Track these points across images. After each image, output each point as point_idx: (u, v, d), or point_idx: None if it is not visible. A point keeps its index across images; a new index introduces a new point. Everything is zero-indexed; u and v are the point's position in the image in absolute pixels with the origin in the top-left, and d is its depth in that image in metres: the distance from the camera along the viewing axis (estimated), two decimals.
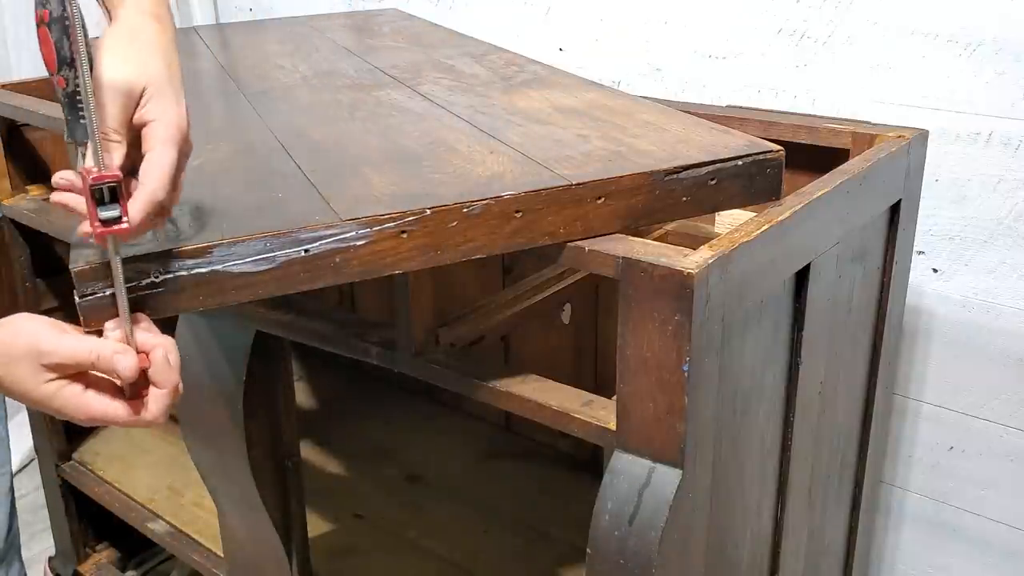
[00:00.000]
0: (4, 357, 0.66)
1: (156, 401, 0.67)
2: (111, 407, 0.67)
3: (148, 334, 0.68)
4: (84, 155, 0.65)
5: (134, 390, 0.68)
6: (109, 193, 0.63)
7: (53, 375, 0.66)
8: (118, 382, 0.68)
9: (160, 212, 0.68)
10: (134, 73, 0.67)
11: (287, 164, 0.88)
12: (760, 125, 1.15)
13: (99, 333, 0.68)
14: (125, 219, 0.64)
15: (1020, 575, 1.36)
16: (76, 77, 0.62)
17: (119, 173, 0.64)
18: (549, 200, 0.79)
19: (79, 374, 0.67)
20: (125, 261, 0.67)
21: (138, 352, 0.67)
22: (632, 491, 0.79)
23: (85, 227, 0.65)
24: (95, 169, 0.63)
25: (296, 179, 0.84)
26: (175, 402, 0.69)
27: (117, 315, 0.67)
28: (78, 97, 0.63)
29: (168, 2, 0.74)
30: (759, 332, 0.86)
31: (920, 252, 1.29)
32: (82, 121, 0.63)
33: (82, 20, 0.62)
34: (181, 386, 0.69)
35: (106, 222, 0.63)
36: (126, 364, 0.65)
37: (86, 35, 0.62)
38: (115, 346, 0.66)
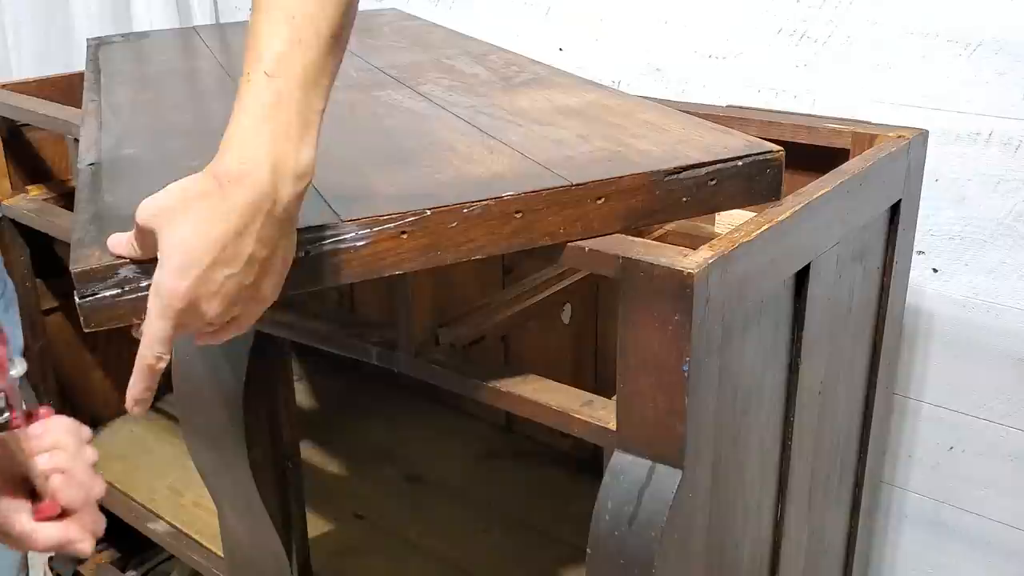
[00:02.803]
0: None
1: (78, 529, 0.67)
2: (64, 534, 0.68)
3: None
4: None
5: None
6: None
7: None
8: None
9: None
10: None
11: None
12: (760, 125, 1.15)
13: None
14: (16, 421, 0.65)
15: (1020, 575, 1.36)
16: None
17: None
18: (549, 200, 0.79)
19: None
20: (126, 263, 0.67)
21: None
22: (632, 491, 0.79)
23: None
24: None
25: None
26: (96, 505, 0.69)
27: (117, 318, 0.67)
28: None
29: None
30: (759, 332, 0.86)
31: (920, 252, 1.29)
32: None
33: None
34: (100, 487, 0.69)
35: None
36: (83, 551, 0.67)
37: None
38: (57, 537, 0.66)
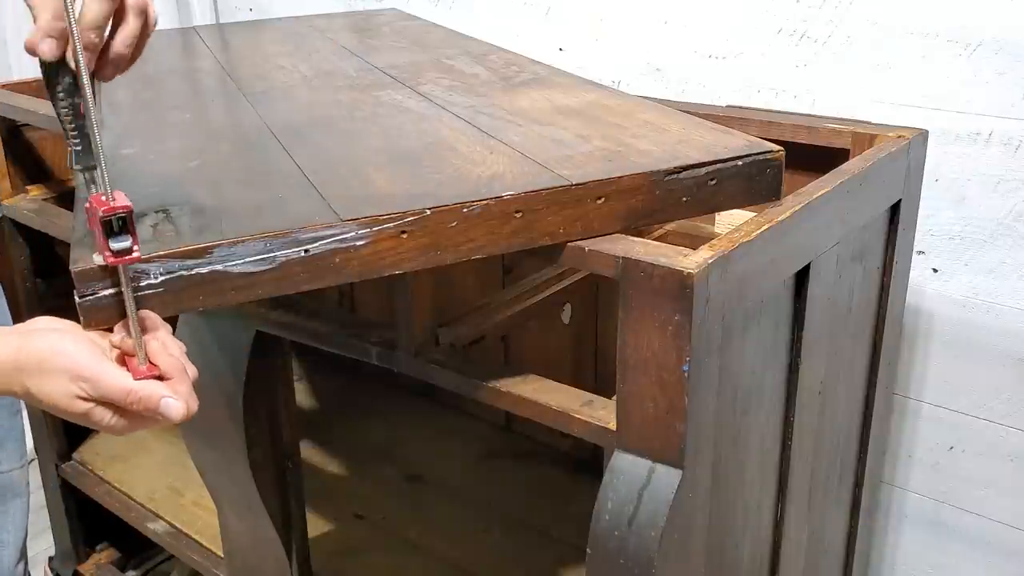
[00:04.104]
0: (37, 369, 0.66)
1: (176, 393, 0.67)
2: (145, 422, 0.68)
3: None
4: (91, 181, 0.66)
5: None
6: (119, 223, 0.64)
7: (86, 395, 0.66)
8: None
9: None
10: None
11: (287, 164, 0.88)
12: (760, 125, 1.15)
13: (109, 330, 0.68)
14: (136, 249, 0.65)
15: (1020, 575, 1.36)
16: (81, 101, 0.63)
17: (129, 204, 0.64)
18: (549, 200, 0.79)
19: None
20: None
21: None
22: (632, 491, 0.79)
23: (99, 259, 0.66)
24: (104, 199, 0.64)
25: (296, 179, 0.84)
26: (192, 385, 0.69)
27: (116, 317, 0.67)
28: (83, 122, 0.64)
29: None
30: (759, 332, 0.86)
31: (920, 252, 1.29)
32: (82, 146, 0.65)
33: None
34: (192, 369, 0.69)
35: (117, 252, 0.64)
36: (177, 411, 0.66)
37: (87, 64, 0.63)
38: (161, 390, 0.66)
